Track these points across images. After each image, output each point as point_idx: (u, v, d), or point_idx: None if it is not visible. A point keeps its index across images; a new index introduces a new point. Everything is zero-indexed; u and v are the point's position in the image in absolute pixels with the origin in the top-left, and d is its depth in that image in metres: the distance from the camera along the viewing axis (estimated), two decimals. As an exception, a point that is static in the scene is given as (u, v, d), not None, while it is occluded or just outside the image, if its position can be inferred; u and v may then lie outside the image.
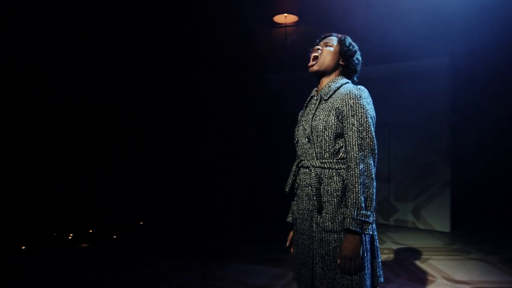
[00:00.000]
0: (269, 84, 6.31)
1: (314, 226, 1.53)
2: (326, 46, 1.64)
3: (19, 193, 3.91)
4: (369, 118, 1.48)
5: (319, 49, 1.64)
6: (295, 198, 1.68)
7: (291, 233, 1.76)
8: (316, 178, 1.53)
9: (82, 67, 4.34)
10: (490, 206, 4.94)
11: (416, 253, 3.93)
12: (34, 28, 3.92)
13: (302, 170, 1.63)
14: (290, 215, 1.76)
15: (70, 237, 4.22)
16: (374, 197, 1.45)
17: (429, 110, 4.91)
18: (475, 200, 4.94)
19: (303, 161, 1.62)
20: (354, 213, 1.41)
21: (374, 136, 1.49)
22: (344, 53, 1.62)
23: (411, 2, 4.61)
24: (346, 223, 1.42)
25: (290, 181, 1.68)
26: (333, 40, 1.65)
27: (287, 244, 1.79)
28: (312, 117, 1.58)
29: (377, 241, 1.56)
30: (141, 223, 4.85)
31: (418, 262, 3.63)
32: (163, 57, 5.49)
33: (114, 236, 4.41)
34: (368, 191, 1.44)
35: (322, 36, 1.71)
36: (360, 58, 1.68)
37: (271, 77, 6.36)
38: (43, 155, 4.16)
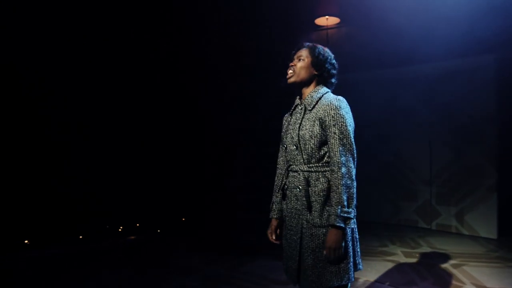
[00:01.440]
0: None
1: (305, 223, 1.72)
2: (299, 60, 1.79)
3: (73, 186, 4.38)
4: (348, 126, 1.67)
5: (292, 65, 1.79)
6: (285, 198, 1.86)
7: (272, 228, 1.95)
8: (304, 180, 1.73)
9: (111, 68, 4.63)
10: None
11: (450, 258, 3.80)
12: (38, 28, 4.09)
13: (291, 173, 1.82)
14: (275, 212, 1.93)
15: (120, 230, 4.69)
16: (354, 196, 1.65)
17: (474, 110, 4.68)
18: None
19: (292, 166, 1.82)
20: (338, 210, 1.60)
21: (353, 142, 1.67)
22: (315, 64, 1.77)
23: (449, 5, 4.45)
24: (331, 220, 1.62)
25: (280, 183, 1.90)
26: (304, 52, 1.80)
27: (272, 237, 1.96)
28: (299, 127, 1.76)
29: (357, 233, 1.74)
30: (183, 219, 5.22)
31: (449, 267, 3.52)
32: (204, 61, 5.78)
33: (158, 230, 4.81)
34: (349, 191, 1.63)
35: (295, 49, 1.86)
36: (333, 62, 1.81)
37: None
38: (91, 150, 4.56)
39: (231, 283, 3.20)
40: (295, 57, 1.82)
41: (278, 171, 1.97)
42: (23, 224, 4.11)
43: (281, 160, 1.97)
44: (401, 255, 3.92)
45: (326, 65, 1.78)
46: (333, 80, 1.83)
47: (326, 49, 1.82)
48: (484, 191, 4.60)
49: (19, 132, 4.14)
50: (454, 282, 3.16)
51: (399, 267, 3.55)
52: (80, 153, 4.51)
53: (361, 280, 3.21)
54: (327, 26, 6.45)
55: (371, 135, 5.44)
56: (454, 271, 3.42)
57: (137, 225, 4.82)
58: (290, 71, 1.80)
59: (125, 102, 4.87)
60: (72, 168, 4.43)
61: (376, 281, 3.20)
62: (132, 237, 4.64)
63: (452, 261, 3.71)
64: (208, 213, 5.37)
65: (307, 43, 1.83)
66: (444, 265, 3.59)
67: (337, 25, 6.37)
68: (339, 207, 1.60)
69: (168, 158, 5.23)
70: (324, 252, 1.64)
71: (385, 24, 5.24)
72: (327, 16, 6.22)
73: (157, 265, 3.71)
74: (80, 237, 4.40)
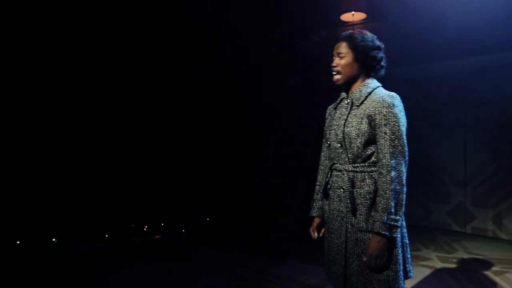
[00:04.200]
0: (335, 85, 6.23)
1: (349, 226, 1.61)
2: (340, 58, 1.64)
3: (98, 185, 4.41)
4: (401, 127, 1.52)
5: (335, 66, 1.65)
6: (327, 198, 1.75)
7: (314, 225, 1.84)
8: (349, 181, 1.60)
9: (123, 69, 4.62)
10: None
11: (490, 265, 3.58)
12: (49, 27, 4.05)
13: (335, 172, 1.70)
14: (315, 210, 1.82)
15: (145, 229, 4.67)
16: (403, 203, 1.52)
17: (511, 107, 4.43)
18: None
19: (336, 164, 1.69)
20: (385, 217, 1.48)
21: (405, 143, 1.53)
22: (358, 57, 1.61)
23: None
24: (376, 226, 1.49)
25: (323, 182, 1.78)
26: (343, 48, 1.63)
27: (315, 235, 1.84)
28: (345, 123, 1.63)
29: (406, 238, 1.62)
30: (208, 219, 5.15)
31: (491, 274, 3.32)
32: (230, 58, 5.71)
33: (183, 230, 4.76)
34: (398, 196, 1.50)
35: (331, 43, 1.70)
36: (377, 44, 1.63)
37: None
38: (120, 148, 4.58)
39: (258, 285, 3.10)
40: (335, 53, 1.67)
41: (321, 167, 1.85)
42: (47, 222, 4.14)
43: (322, 156, 1.85)
44: (437, 260, 3.73)
45: (370, 53, 1.61)
46: (382, 63, 1.66)
47: (366, 34, 1.63)
48: (518, 191, 4.35)
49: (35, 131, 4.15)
50: (485, 283, 2.96)
51: (436, 273, 3.37)
52: (105, 151, 4.51)
53: (396, 286, 3.05)
54: (353, 22, 6.28)
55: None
56: (496, 278, 3.22)
57: (162, 224, 4.79)
58: (334, 72, 1.66)
59: (153, 102, 4.86)
60: (97, 167, 4.43)
61: None
62: (157, 236, 4.61)
63: (492, 268, 3.50)
64: (236, 213, 5.29)
65: (344, 34, 1.66)
66: (484, 272, 3.38)
67: (364, 21, 6.19)
68: (386, 214, 1.47)
69: (195, 157, 5.18)
70: (364, 259, 1.52)
71: (413, 19, 5.04)
72: (353, 12, 6.05)
73: (185, 264, 3.64)
74: (106, 235, 4.39)
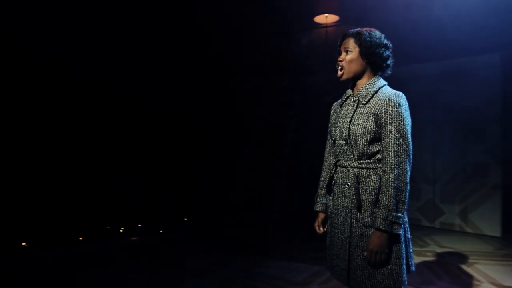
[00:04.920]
0: (309, 85, 6.34)
1: (354, 222, 1.64)
2: (347, 53, 1.68)
3: (73, 186, 4.24)
4: (406, 126, 1.56)
5: (340, 60, 1.69)
6: (331, 194, 1.78)
7: (319, 220, 1.89)
8: (354, 178, 1.64)
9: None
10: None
11: (461, 257, 3.81)
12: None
13: (340, 169, 1.73)
14: (319, 205, 1.87)
15: (121, 230, 4.53)
16: (406, 200, 1.55)
17: (478, 108, 4.71)
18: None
19: (341, 161, 1.72)
20: (386, 214, 1.52)
21: (410, 142, 1.56)
22: (365, 53, 1.65)
23: (454, 2, 4.46)
24: (377, 223, 1.54)
25: (327, 177, 1.81)
26: (351, 43, 1.67)
27: (320, 230, 1.88)
28: (350, 121, 1.66)
29: (409, 232, 1.67)
30: (185, 219, 5.09)
31: (463, 266, 3.52)
32: (200, 59, 5.66)
33: (161, 231, 4.67)
34: (401, 194, 1.53)
35: (339, 40, 1.75)
36: (384, 42, 1.67)
37: (311, 78, 6.37)
38: (87, 149, 4.43)
39: (247, 285, 3.11)
40: (342, 49, 1.71)
41: (325, 163, 1.89)
42: (24, 225, 3.94)
43: (327, 152, 1.89)
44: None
45: (377, 50, 1.65)
46: (388, 62, 1.70)
47: (373, 32, 1.67)
48: (488, 189, 4.65)
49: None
50: (471, 281, 3.15)
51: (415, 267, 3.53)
52: (80, 152, 4.33)
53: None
54: (326, 24, 6.41)
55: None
56: (468, 269, 3.43)
57: (139, 225, 4.67)
58: (339, 67, 1.70)
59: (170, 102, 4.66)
60: (69, 169, 4.25)
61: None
62: (134, 238, 4.49)
63: (463, 260, 3.72)
64: (216, 213, 5.26)
65: (351, 31, 1.70)
66: (458, 264, 3.59)
67: (336, 23, 6.33)
68: (387, 210, 1.51)
69: (170, 156, 5.08)
70: (365, 254, 1.57)
71: (385, 23, 5.23)
72: (326, 14, 6.18)
73: (169, 267, 3.58)
74: (80, 238, 4.22)
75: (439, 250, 4.09)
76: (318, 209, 1.87)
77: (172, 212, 4.95)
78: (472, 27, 4.43)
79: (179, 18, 4.97)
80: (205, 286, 3.10)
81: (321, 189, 1.87)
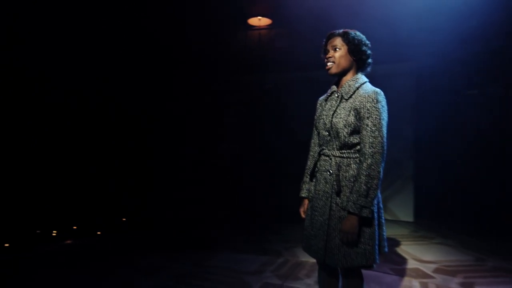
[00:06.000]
0: (245, 86, 6.52)
1: (334, 205, 1.81)
2: (335, 50, 1.85)
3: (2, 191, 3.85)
4: (382, 120, 1.75)
5: (330, 57, 1.86)
6: (314, 180, 1.95)
7: (306, 206, 2.04)
8: (336, 165, 1.81)
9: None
10: (447, 197, 5.47)
11: (389, 241, 4.32)
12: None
13: (323, 157, 1.90)
14: (304, 191, 2.02)
15: (54, 234, 4.20)
16: (378, 187, 1.73)
17: (396, 111, 5.34)
18: (434, 192, 5.45)
19: (324, 150, 1.89)
20: (356, 198, 1.71)
21: (385, 135, 1.75)
22: (353, 50, 1.84)
23: (379, 12, 5.03)
24: (349, 206, 1.73)
25: (311, 165, 1.96)
26: (339, 41, 1.85)
27: (303, 215, 2.04)
28: (333, 114, 1.83)
29: (383, 217, 1.88)
30: (124, 219, 4.89)
31: (394, 249, 4.01)
32: (142, 58, 5.51)
33: (99, 232, 4.43)
34: (372, 181, 1.71)
35: (326, 38, 1.91)
36: (367, 42, 1.88)
37: (247, 78, 6.56)
38: (22, 151, 4.09)
39: (205, 278, 3.15)
40: (329, 47, 1.87)
41: (310, 153, 2.05)
42: None
43: (312, 143, 2.05)
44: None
45: (363, 48, 1.84)
46: (369, 61, 1.91)
47: (357, 32, 1.86)
48: (403, 181, 5.33)
49: None
50: (399, 259, 3.63)
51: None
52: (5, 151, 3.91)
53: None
54: (259, 26, 6.67)
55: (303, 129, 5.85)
56: (394, 249, 3.93)
57: (74, 227, 4.36)
58: (330, 62, 1.85)
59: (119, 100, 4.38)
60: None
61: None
62: (69, 241, 4.18)
63: (388, 242, 4.22)
64: (159, 212, 5.14)
65: (337, 31, 1.87)
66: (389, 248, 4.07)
67: (269, 27, 6.63)
68: (358, 195, 1.70)
69: (110, 155, 4.84)
70: (340, 236, 1.75)
71: (314, 29, 5.65)
72: (259, 17, 6.44)
73: (117, 267, 3.43)
74: (6, 245, 3.81)
75: (367, 235, 4.57)
76: (303, 195, 2.03)
77: (111, 211, 4.72)
78: (389, 37, 5.04)
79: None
80: (158, 283, 3.06)
81: (306, 177, 2.03)
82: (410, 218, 5.28)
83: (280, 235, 4.55)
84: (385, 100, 1.81)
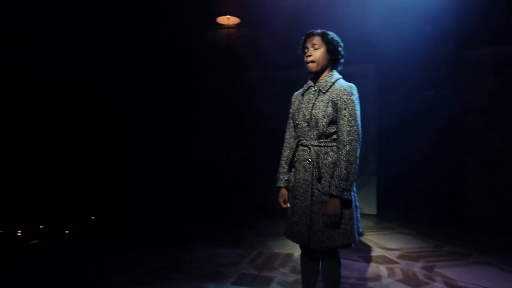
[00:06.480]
0: (214, 83, 6.58)
1: (315, 191, 1.94)
2: (315, 48, 2.00)
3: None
4: (357, 111, 1.92)
5: (310, 55, 2.00)
6: (293, 170, 2.06)
7: (286, 196, 2.12)
8: (315, 154, 1.95)
9: None
10: (407, 191, 5.83)
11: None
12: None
13: (301, 147, 2.02)
14: (282, 182, 2.12)
15: (19, 234, 4.03)
16: (356, 171, 1.89)
17: (360, 109, 5.64)
18: (395, 186, 5.78)
19: (302, 141, 2.02)
20: (337, 182, 1.85)
21: (360, 125, 1.92)
22: (331, 50, 2.00)
23: (345, 12, 5.28)
24: (331, 190, 1.86)
25: (290, 156, 2.07)
26: (318, 40, 2.00)
27: (287, 204, 2.12)
28: (312, 106, 1.98)
29: (357, 201, 2.05)
30: (93, 217, 4.78)
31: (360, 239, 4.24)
32: (107, 56, 5.41)
33: (67, 231, 4.31)
34: (351, 166, 1.87)
35: (306, 36, 2.05)
36: (341, 44, 2.05)
37: (216, 75, 6.61)
38: None
39: (179, 272, 3.18)
40: (309, 45, 2.01)
41: (285, 145, 2.16)
42: None
43: (288, 135, 2.17)
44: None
45: (339, 49, 2.02)
46: (342, 60, 2.07)
47: (333, 33, 2.03)
48: (367, 176, 5.62)
49: None
50: (366, 247, 3.85)
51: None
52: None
53: (295, 255, 3.61)
54: (228, 25, 6.75)
55: (275, 126, 6.01)
56: (361, 239, 4.15)
57: (41, 226, 4.21)
58: (310, 59, 1.99)
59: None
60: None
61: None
62: (35, 242, 4.04)
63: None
64: (130, 209, 5.06)
65: (316, 31, 2.02)
66: (352, 236, 4.30)
67: (237, 26, 6.73)
68: (339, 179, 1.85)
69: (76, 152, 4.71)
70: (323, 219, 1.89)
71: (279, 29, 5.82)
72: (228, 16, 6.52)
73: (91, 265, 3.37)
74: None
75: (334, 227, 4.79)
76: (281, 185, 2.13)
77: (79, 210, 4.60)
78: (352, 39, 5.30)
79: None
80: (135, 278, 3.06)
81: (283, 167, 2.13)
82: (373, 211, 5.57)
83: (253, 229, 4.65)
84: (358, 93, 1.98)
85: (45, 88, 4.57)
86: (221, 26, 6.70)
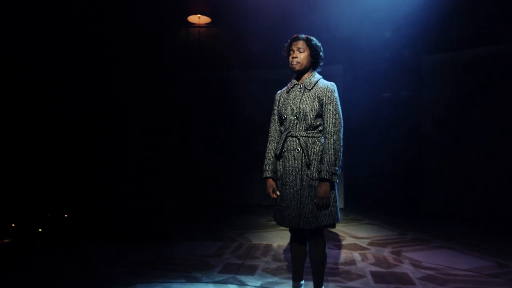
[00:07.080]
0: (186, 80, 6.62)
1: (305, 177, 2.16)
2: (300, 51, 2.23)
3: None
4: (339, 105, 2.20)
5: (295, 57, 2.23)
6: (281, 160, 2.26)
7: (274, 186, 2.29)
8: (304, 144, 2.18)
9: None
10: (371, 185, 6.23)
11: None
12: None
13: (290, 138, 2.24)
14: (270, 172, 2.31)
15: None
16: (341, 158, 2.15)
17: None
18: (361, 182, 6.16)
19: (291, 132, 2.23)
20: (328, 167, 2.10)
21: (341, 117, 2.19)
22: (314, 54, 2.26)
23: (318, 15, 5.56)
24: (322, 174, 2.10)
25: (279, 147, 2.26)
26: (302, 44, 2.24)
27: (277, 193, 2.28)
28: (300, 101, 2.21)
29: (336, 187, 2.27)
30: (66, 215, 4.69)
31: (329, 229, 4.50)
32: (80, 53, 5.33)
33: (40, 230, 4.21)
34: (337, 153, 2.13)
35: (290, 40, 2.29)
36: (322, 49, 2.30)
37: (188, 73, 6.66)
38: None
39: (165, 263, 3.26)
40: (295, 48, 2.24)
41: (271, 138, 2.37)
42: None
43: (273, 129, 2.37)
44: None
45: (320, 53, 2.28)
46: (322, 63, 2.33)
47: (315, 38, 2.28)
48: (334, 171, 5.93)
49: None
50: (339, 237, 4.12)
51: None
52: None
53: (274, 245, 3.81)
54: (199, 24, 6.84)
55: (249, 125, 6.18)
56: (333, 230, 4.42)
57: (13, 225, 4.08)
58: (296, 61, 2.23)
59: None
60: None
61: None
62: (6, 240, 3.92)
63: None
64: (108, 206, 4.99)
65: (301, 36, 2.27)
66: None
67: (208, 25, 6.84)
68: (329, 165, 2.09)
69: (51, 147, 4.60)
70: (315, 201, 2.11)
71: (250, 29, 6.01)
72: (199, 15, 6.62)
73: (73, 263, 3.34)
74: None
75: (307, 220, 5.04)
76: (269, 175, 2.31)
77: (51, 209, 4.49)
78: (325, 41, 5.60)
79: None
80: (121, 271, 3.09)
81: (269, 159, 2.33)
82: (341, 205, 5.90)
83: (229, 224, 4.79)
84: (337, 91, 2.26)
85: (11, 86, 4.44)
86: (192, 25, 6.78)
